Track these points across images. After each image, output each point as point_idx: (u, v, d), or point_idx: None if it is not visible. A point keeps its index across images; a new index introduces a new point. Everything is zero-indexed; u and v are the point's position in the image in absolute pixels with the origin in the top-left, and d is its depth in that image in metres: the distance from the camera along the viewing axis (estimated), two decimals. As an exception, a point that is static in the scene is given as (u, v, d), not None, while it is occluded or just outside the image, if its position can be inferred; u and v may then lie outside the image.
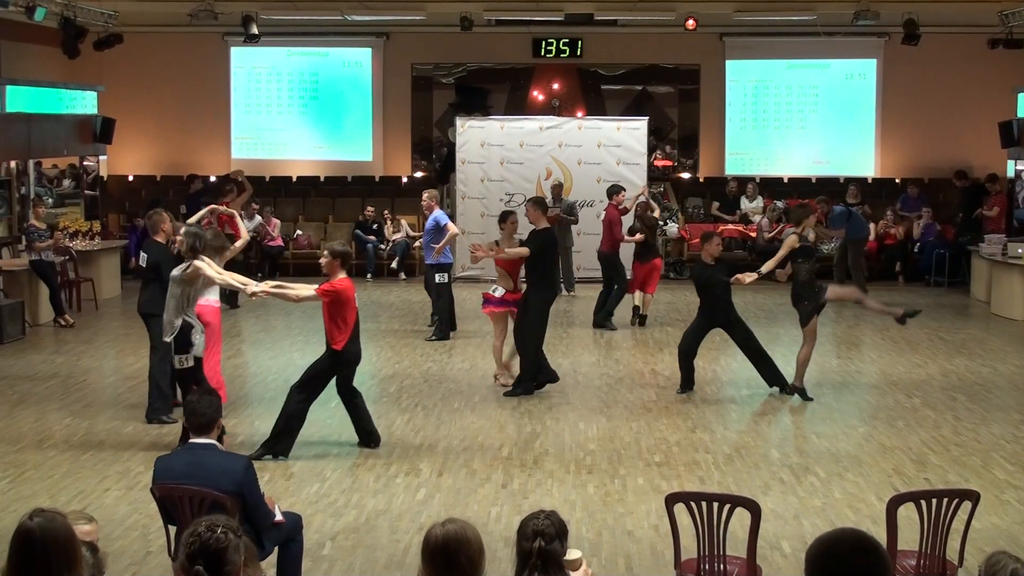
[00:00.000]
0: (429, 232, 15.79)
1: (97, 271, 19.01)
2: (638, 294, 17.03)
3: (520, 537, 4.81)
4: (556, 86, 26.02)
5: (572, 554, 5.04)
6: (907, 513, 6.54)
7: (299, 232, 23.04)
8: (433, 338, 15.72)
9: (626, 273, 17.25)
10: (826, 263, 21.31)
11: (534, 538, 4.73)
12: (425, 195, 16.22)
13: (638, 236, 16.86)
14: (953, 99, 23.72)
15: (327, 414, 11.81)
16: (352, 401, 10.61)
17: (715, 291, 12.53)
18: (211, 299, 11.06)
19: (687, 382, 12.77)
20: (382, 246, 22.29)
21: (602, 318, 16.78)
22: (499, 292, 12.83)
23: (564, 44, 24.30)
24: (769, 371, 12.59)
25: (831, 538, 3.70)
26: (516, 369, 12.96)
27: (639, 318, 17.00)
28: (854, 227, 19.70)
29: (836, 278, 19.62)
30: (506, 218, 13.12)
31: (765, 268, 12.44)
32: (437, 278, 15.70)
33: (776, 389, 12.56)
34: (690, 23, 21.33)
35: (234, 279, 10.51)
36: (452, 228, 15.86)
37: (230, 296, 16.94)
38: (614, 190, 17.51)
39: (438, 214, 15.83)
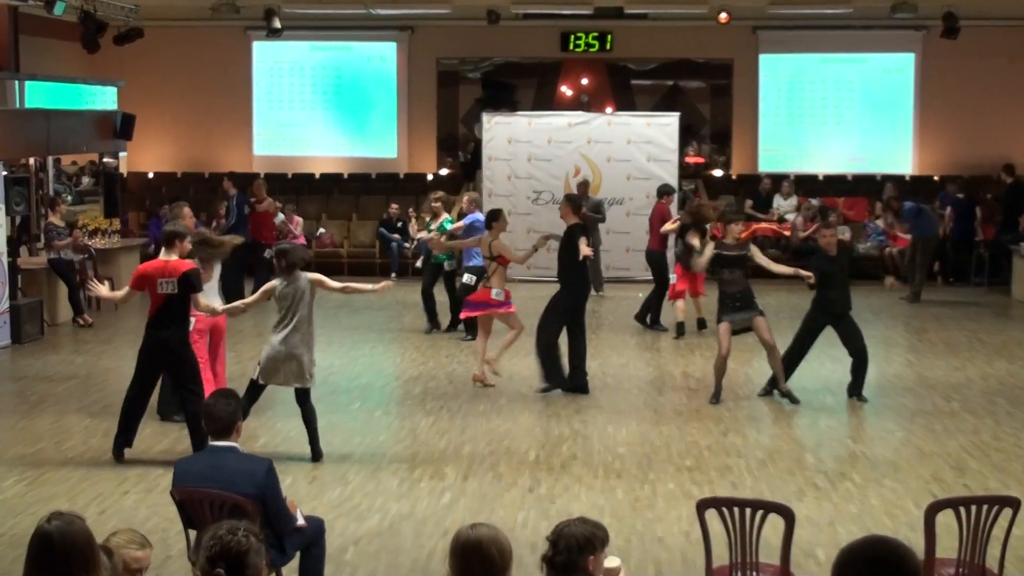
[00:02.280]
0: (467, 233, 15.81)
1: (117, 270, 19.09)
2: (688, 301, 16.41)
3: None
4: (585, 81, 26.02)
5: (611, 561, 5.04)
6: (946, 520, 6.50)
7: (322, 230, 23.09)
8: (468, 338, 15.54)
9: (668, 274, 16.80)
10: (865, 261, 21.31)
11: (548, 547, 4.79)
12: (465, 198, 16.54)
13: (672, 224, 16.59)
14: (994, 94, 23.57)
15: (349, 417, 11.85)
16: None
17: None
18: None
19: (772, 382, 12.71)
20: (407, 245, 22.29)
21: (652, 321, 16.75)
22: (500, 295, 12.95)
23: (593, 38, 24.26)
24: (857, 378, 12.54)
25: (856, 546, 3.69)
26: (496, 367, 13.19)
27: (697, 322, 16.56)
28: (924, 225, 19.42)
29: (907, 277, 19.70)
30: (497, 216, 13.27)
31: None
32: (466, 278, 15.61)
33: (854, 398, 12.50)
34: (723, 16, 21.29)
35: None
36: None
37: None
38: (665, 189, 17.42)
39: (475, 216, 15.85)
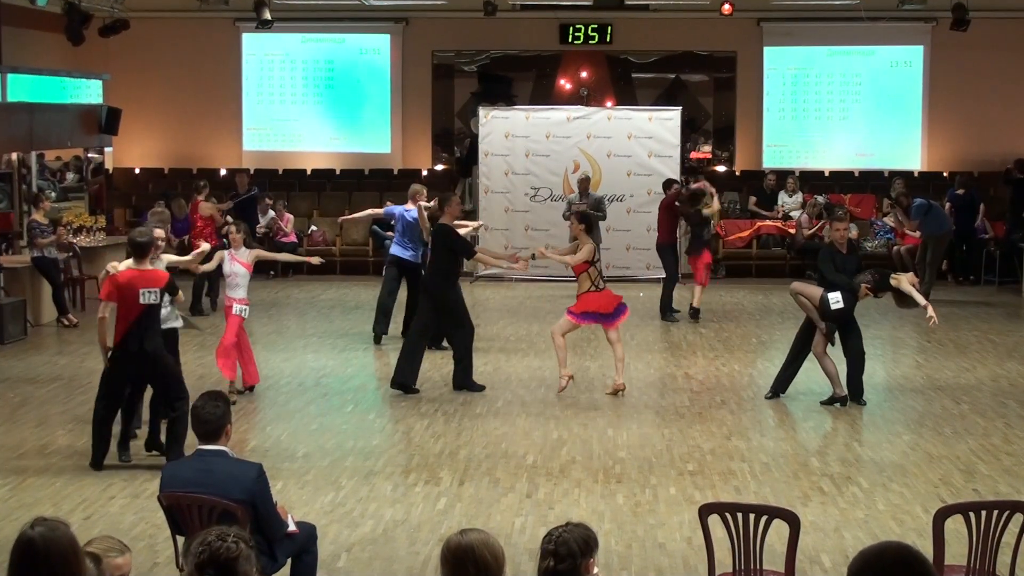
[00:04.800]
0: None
1: (102, 268, 19.05)
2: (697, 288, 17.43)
3: (540, 553, 4.82)
4: (584, 74, 26.01)
5: None
6: (955, 526, 6.51)
7: (314, 228, 23.07)
8: None
9: (676, 265, 17.80)
10: (873, 260, 21.29)
11: (544, 558, 4.75)
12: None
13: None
14: (1005, 88, 23.57)
15: (342, 419, 11.85)
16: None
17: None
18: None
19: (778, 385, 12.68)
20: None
21: (663, 311, 17.41)
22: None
23: (593, 30, 24.24)
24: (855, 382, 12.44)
25: (875, 552, 3.70)
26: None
27: (692, 311, 17.36)
28: (934, 222, 19.37)
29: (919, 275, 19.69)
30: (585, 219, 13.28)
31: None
32: None
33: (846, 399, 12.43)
34: (726, 7, 21.29)
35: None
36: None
37: None
38: (668, 184, 18.21)
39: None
